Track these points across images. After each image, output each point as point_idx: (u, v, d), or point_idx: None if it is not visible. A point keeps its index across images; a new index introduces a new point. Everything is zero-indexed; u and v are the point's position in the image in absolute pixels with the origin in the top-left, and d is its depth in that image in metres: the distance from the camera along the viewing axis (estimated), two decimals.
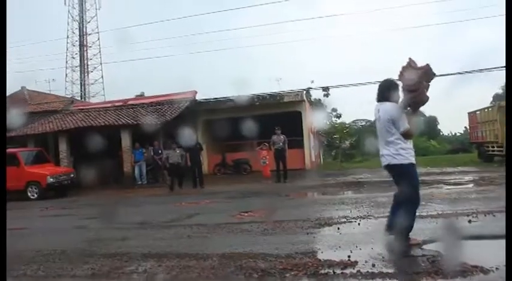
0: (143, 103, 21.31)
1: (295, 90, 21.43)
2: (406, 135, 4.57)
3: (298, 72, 65.36)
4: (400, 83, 4.69)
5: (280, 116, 18.99)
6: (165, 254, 5.00)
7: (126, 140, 18.33)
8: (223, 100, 21.03)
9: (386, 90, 4.68)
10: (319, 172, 20.13)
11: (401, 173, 4.68)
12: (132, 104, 21.41)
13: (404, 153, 4.58)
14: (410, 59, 4.67)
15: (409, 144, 4.66)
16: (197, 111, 20.81)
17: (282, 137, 15.10)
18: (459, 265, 3.74)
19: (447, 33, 78.12)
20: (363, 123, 50.58)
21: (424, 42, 74.73)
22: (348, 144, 42.21)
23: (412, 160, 4.62)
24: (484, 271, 3.64)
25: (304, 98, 21.63)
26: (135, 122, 18.07)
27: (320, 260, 4.18)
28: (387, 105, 4.63)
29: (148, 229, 7.15)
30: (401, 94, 4.67)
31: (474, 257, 4.21)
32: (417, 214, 4.84)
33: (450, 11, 64.43)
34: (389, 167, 4.72)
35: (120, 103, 22.11)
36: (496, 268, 3.63)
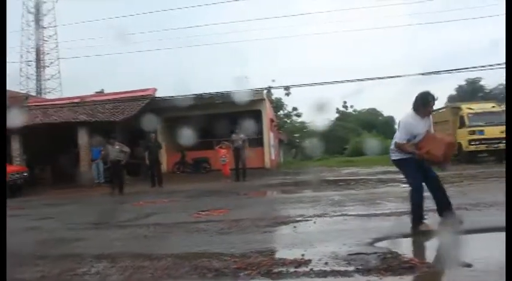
0: (102, 100, 20.84)
1: (255, 89, 21.50)
2: (396, 145, 5.13)
3: (260, 71, 65.61)
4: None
5: (240, 114, 19.00)
6: (119, 254, 4.90)
7: (83, 138, 17.89)
8: (183, 98, 20.82)
9: (419, 102, 5.07)
10: (278, 170, 20.30)
11: (398, 168, 5.38)
12: (90, 101, 20.91)
13: (397, 151, 5.20)
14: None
15: None
16: (157, 109, 20.54)
17: (241, 136, 15.16)
18: (408, 262, 3.86)
19: (412, 34, 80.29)
20: (323, 122, 51.35)
21: (389, 43, 76.60)
22: (308, 142, 42.70)
23: (404, 156, 5.16)
24: (431, 266, 3.77)
25: (265, 96, 21.74)
26: (92, 119, 17.69)
27: (274, 259, 4.20)
28: (407, 113, 5.14)
29: (103, 229, 7.01)
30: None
31: (423, 254, 4.37)
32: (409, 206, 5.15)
33: (415, 13, 66.01)
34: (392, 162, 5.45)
35: (78, 99, 21.56)
36: (443, 263, 3.76)
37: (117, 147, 13.27)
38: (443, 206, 5.16)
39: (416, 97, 5.13)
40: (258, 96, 20.78)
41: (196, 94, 20.44)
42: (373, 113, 55.44)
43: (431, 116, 5.29)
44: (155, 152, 14.91)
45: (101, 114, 18.29)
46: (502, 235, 4.88)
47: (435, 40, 71.69)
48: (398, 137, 5.08)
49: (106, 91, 24.51)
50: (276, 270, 3.85)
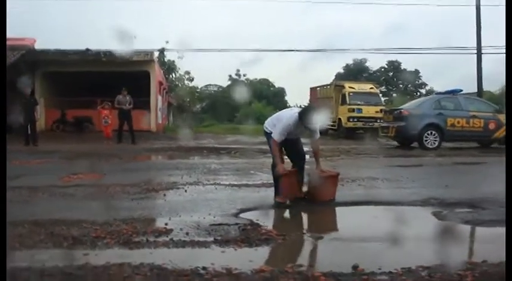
0: None
1: (145, 49, 20.79)
2: (272, 142, 5.37)
3: (154, 31, 63.21)
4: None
5: (127, 74, 18.33)
6: None
7: None
8: (66, 52, 19.47)
9: (306, 112, 5.33)
10: (165, 134, 20.03)
11: (268, 140, 5.65)
12: None
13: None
14: None
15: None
16: (35, 61, 19.01)
17: (128, 97, 14.69)
18: (266, 233, 4.06)
19: (307, 10, 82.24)
20: (215, 88, 51.38)
21: (286, 17, 77.77)
22: (199, 108, 42.58)
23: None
24: (286, 238, 4.00)
25: (154, 58, 21.14)
26: None
27: (136, 227, 4.16)
28: (292, 115, 5.34)
29: None
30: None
31: (282, 225, 4.62)
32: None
33: None
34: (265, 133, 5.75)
35: None
36: (298, 234, 4.01)
37: None
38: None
39: (307, 108, 5.79)
40: (147, 57, 20.10)
41: (80, 50, 19.25)
42: (265, 83, 56.56)
43: (317, 127, 5.54)
44: (30, 108, 13.88)
45: None
46: (362, 208, 5.39)
47: (334, 18, 74.51)
48: (276, 135, 5.28)
49: None
50: (135, 239, 3.83)
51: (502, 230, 4.45)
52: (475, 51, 20.81)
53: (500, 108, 15.05)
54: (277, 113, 5.84)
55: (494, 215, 4.92)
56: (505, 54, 5.23)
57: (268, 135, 5.55)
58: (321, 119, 5.61)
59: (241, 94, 48.16)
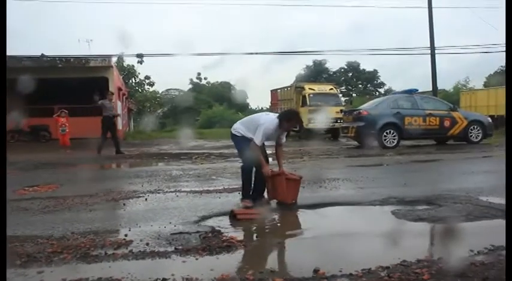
0: None
1: (103, 54, 20.45)
2: (252, 145, 5.30)
3: (112, 36, 62.15)
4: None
5: (85, 81, 17.96)
6: None
7: None
8: (19, 58, 18.89)
9: (286, 116, 5.47)
10: (125, 141, 19.67)
11: (236, 143, 5.65)
12: None
13: (242, 130, 5.54)
14: None
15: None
16: None
17: (113, 103, 14.18)
18: (227, 240, 4.04)
19: (268, 12, 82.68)
20: (176, 93, 50.95)
21: (247, 19, 77.86)
22: (160, 113, 42.12)
23: (248, 135, 5.46)
24: (247, 245, 3.99)
25: (112, 63, 20.79)
26: None
27: (95, 240, 4.06)
28: (271, 119, 5.39)
29: None
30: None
31: (244, 232, 4.59)
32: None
33: None
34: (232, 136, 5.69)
35: None
36: (260, 239, 4.00)
37: None
38: (260, 191, 5.58)
39: (287, 112, 5.79)
40: (105, 62, 19.77)
41: (34, 55, 18.74)
42: (226, 86, 56.55)
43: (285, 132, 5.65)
44: None
45: None
46: (323, 210, 5.43)
47: (295, 20, 75.21)
48: (256, 138, 5.27)
49: None
50: (93, 253, 3.73)
51: (458, 226, 4.62)
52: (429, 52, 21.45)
53: (454, 107, 15.58)
54: (248, 118, 5.78)
55: (450, 212, 5.07)
56: (505, 54, 5.43)
57: (238, 138, 5.51)
58: (299, 124, 5.73)
59: (202, 98, 48.11)
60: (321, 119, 20.62)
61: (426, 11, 21.76)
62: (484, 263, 3.35)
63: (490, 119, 15.76)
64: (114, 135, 13.61)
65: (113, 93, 14.26)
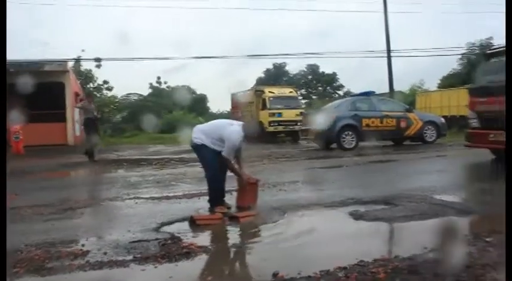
0: None
1: (59, 58, 19.95)
2: (226, 159, 5.34)
3: (68, 39, 60.63)
4: None
5: (40, 86, 17.41)
6: None
7: None
8: None
9: (251, 127, 5.73)
10: (83, 147, 19.22)
11: (198, 152, 5.60)
12: None
13: (201, 138, 5.47)
14: None
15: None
16: None
17: (93, 105, 13.75)
18: (187, 247, 4.01)
19: (230, 16, 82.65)
20: (136, 97, 50.15)
21: (208, 23, 77.55)
22: (120, 118, 41.38)
23: (210, 145, 5.42)
24: (207, 251, 3.98)
25: (69, 68, 20.30)
26: None
27: (50, 252, 3.95)
28: (237, 130, 5.36)
29: None
30: None
31: (204, 238, 4.58)
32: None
33: None
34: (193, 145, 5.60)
35: None
36: (219, 245, 3.99)
37: None
38: (220, 197, 5.54)
39: (253, 126, 6.19)
40: (61, 67, 19.26)
41: None
42: (186, 90, 56.11)
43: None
44: None
45: None
46: (282, 213, 5.45)
47: (256, 24, 75.60)
48: (228, 152, 5.27)
49: None
50: (49, 265, 3.63)
51: (413, 225, 4.76)
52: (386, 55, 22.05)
53: (409, 108, 16.04)
54: (209, 126, 5.64)
55: (406, 211, 5.23)
56: (505, 54, 5.62)
57: (199, 147, 5.42)
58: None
59: (162, 102, 47.59)
60: (281, 121, 20.80)
61: (381, 15, 22.37)
62: (435, 259, 3.48)
63: (443, 120, 16.28)
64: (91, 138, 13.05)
65: (92, 95, 13.74)
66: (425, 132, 15.27)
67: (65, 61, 20.23)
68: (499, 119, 8.38)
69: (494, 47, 9.64)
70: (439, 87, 35.52)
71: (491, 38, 32.88)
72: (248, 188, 5.54)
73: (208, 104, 56.22)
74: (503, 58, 8.75)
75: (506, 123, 5.23)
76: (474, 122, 9.27)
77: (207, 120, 7.00)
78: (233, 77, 60.90)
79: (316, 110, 16.82)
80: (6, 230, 3.06)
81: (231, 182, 5.74)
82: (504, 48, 8.87)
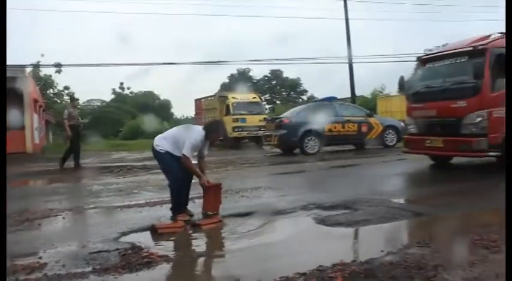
0: None
1: (17, 64, 19.40)
2: (184, 159, 5.28)
3: (27, 44, 59.08)
4: None
5: None
6: None
7: None
8: None
9: (213, 128, 5.59)
10: (43, 156, 18.75)
11: (160, 160, 5.56)
12: None
13: (164, 146, 5.46)
14: None
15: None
16: None
17: (77, 111, 13.29)
18: (147, 256, 3.98)
19: (195, 22, 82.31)
20: (98, 103, 49.34)
21: (173, 29, 77.01)
22: (81, 124, 40.41)
23: (174, 152, 5.40)
24: (168, 260, 3.96)
25: (27, 73, 19.80)
26: None
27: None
28: (199, 131, 5.43)
29: None
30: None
31: (165, 246, 4.55)
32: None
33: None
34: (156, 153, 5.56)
35: None
36: (180, 254, 3.98)
37: None
38: (183, 204, 5.57)
39: (214, 123, 5.96)
40: (19, 73, 18.74)
41: None
42: (150, 96, 55.59)
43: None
44: None
45: None
46: (245, 219, 5.49)
47: (220, 30, 75.64)
48: (187, 150, 5.23)
49: None
50: None
51: (371, 229, 4.88)
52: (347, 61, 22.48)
53: (370, 113, 16.38)
54: (171, 133, 5.60)
55: (365, 215, 5.35)
56: (505, 54, 5.72)
57: (162, 155, 5.40)
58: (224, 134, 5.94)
59: (125, 108, 46.93)
60: (244, 127, 20.88)
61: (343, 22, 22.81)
62: (392, 262, 3.58)
63: (403, 124, 16.67)
64: (78, 146, 12.67)
65: (77, 100, 13.21)
66: (386, 137, 15.63)
67: (23, 66, 19.71)
68: (435, 124, 8.66)
69: (429, 52, 9.83)
70: (399, 92, 36.26)
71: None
72: (212, 192, 5.53)
73: (172, 110, 55.87)
74: (437, 64, 9.03)
75: (506, 123, 5.41)
76: (412, 128, 9.45)
77: (171, 127, 6.96)
78: (197, 82, 60.85)
79: (279, 115, 16.92)
80: None
81: (194, 189, 5.71)
82: (437, 54, 9.17)
